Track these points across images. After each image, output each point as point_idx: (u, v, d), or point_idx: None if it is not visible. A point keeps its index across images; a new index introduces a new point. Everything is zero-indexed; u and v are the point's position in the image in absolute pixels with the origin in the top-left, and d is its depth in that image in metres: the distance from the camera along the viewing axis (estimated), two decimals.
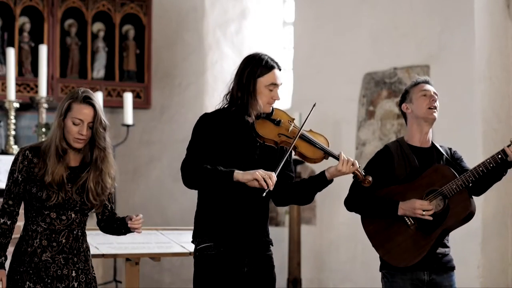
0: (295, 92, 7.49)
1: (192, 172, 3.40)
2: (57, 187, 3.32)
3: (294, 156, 3.58)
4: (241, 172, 3.32)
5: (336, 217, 6.91)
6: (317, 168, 3.62)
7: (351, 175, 3.53)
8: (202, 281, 3.49)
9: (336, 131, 6.86)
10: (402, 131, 6.56)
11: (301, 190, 3.55)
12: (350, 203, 3.92)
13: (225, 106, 3.54)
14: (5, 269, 3.34)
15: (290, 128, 3.49)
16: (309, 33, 7.39)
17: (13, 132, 6.43)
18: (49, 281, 3.34)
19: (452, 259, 3.89)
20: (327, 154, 3.49)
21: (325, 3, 7.23)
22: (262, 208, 3.52)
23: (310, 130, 3.56)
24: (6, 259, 3.36)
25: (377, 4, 6.83)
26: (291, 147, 3.41)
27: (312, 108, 3.51)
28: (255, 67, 3.49)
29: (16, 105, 6.44)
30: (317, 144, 3.49)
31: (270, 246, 3.58)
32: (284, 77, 8.21)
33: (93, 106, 3.37)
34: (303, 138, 3.48)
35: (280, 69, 3.54)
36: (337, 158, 3.47)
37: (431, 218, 3.73)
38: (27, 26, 7.56)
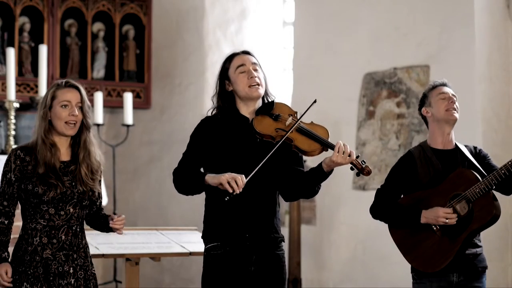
0: (295, 92, 7.49)
1: (178, 178, 3.46)
2: (53, 175, 3.33)
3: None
4: (211, 175, 3.33)
5: (336, 217, 6.91)
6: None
7: (349, 165, 3.42)
8: (209, 281, 3.47)
9: (336, 131, 6.84)
10: (402, 131, 6.56)
11: (303, 183, 3.51)
12: (375, 211, 3.94)
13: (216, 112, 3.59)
14: (9, 263, 3.35)
15: (288, 122, 3.45)
16: (309, 33, 7.39)
17: (13, 132, 6.44)
18: (51, 278, 3.34)
19: (485, 259, 3.88)
20: (324, 145, 3.41)
21: (325, 3, 7.22)
22: (269, 204, 3.50)
23: (311, 122, 3.51)
24: (9, 255, 3.37)
25: (377, 4, 6.83)
26: (281, 141, 3.36)
27: (311, 104, 3.47)
28: (222, 67, 3.59)
29: (16, 105, 6.44)
30: (314, 136, 3.42)
31: (281, 243, 3.54)
32: (284, 77, 8.24)
33: (76, 88, 3.44)
34: (300, 130, 3.42)
35: (246, 53, 3.57)
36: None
37: (454, 223, 3.73)
38: (27, 26, 7.56)
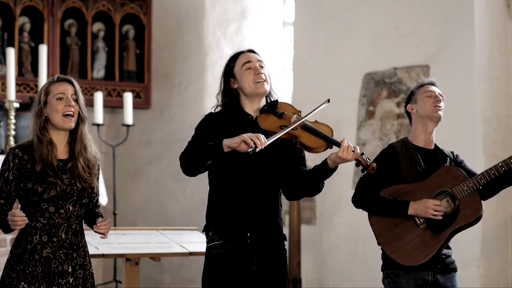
0: (295, 92, 7.49)
1: (186, 156, 3.42)
2: (51, 172, 3.33)
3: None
4: (229, 139, 3.32)
5: (336, 217, 6.91)
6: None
7: (354, 162, 3.45)
8: (210, 279, 3.47)
9: (336, 131, 6.82)
10: (402, 131, 6.55)
11: (307, 181, 3.52)
12: (358, 200, 3.91)
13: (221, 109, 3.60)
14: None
15: (293, 119, 3.47)
16: (309, 33, 7.38)
17: (13, 132, 6.43)
18: (50, 277, 3.34)
19: (455, 261, 3.90)
20: (329, 142, 3.43)
21: (325, 3, 7.22)
22: (271, 203, 3.50)
23: (315, 121, 3.53)
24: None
25: (377, 4, 6.83)
26: (288, 129, 3.37)
27: (323, 103, 3.49)
28: (227, 66, 3.60)
29: (16, 105, 6.44)
30: (319, 133, 3.44)
31: (284, 242, 3.55)
32: (284, 77, 8.24)
33: (69, 81, 3.46)
34: (305, 128, 3.45)
35: (251, 52, 3.60)
36: (340, 146, 3.41)
37: (441, 218, 3.73)
38: (27, 26, 7.56)
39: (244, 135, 3.26)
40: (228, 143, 3.30)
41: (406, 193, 3.81)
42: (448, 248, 3.86)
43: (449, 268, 3.86)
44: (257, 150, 3.23)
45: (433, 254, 3.74)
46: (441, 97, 3.91)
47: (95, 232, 3.45)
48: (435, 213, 3.72)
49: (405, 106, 3.99)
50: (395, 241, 3.81)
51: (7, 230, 3.37)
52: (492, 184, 3.80)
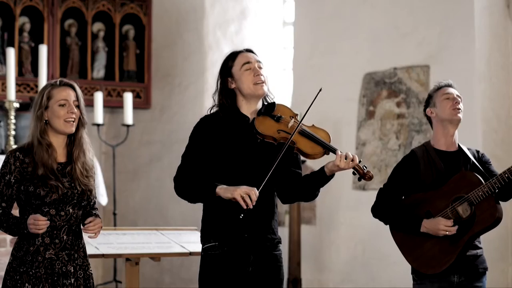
0: (295, 92, 7.49)
1: (181, 185, 3.45)
2: (53, 176, 3.33)
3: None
4: (223, 187, 3.33)
5: (336, 217, 6.91)
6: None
7: (351, 170, 3.43)
8: (207, 281, 3.47)
9: (336, 131, 6.86)
10: (402, 131, 6.56)
11: (303, 187, 3.51)
12: (376, 211, 3.95)
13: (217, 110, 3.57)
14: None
15: (290, 124, 3.44)
16: (309, 33, 7.39)
17: (13, 132, 6.43)
18: (54, 278, 3.35)
19: (485, 260, 3.89)
20: (326, 149, 3.42)
21: (325, 3, 7.22)
22: (267, 205, 3.49)
23: (313, 125, 3.50)
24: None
25: (377, 4, 6.83)
26: (286, 145, 3.35)
27: (317, 94, 3.47)
28: (224, 65, 3.58)
29: (16, 105, 6.43)
30: (316, 139, 3.42)
31: (279, 245, 3.54)
32: (284, 77, 8.24)
33: (71, 86, 3.46)
34: (302, 133, 3.42)
35: (250, 51, 3.56)
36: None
37: (455, 232, 3.74)
38: (27, 26, 7.56)
39: (235, 192, 3.27)
40: (221, 193, 3.33)
41: (424, 201, 3.82)
42: (477, 248, 3.84)
43: (478, 269, 3.84)
44: (248, 209, 3.26)
45: (452, 261, 3.74)
46: (459, 99, 3.90)
47: (84, 232, 3.42)
48: (447, 233, 3.74)
49: (424, 110, 3.98)
50: (415, 250, 3.83)
51: (14, 233, 3.36)
52: (508, 187, 3.78)
